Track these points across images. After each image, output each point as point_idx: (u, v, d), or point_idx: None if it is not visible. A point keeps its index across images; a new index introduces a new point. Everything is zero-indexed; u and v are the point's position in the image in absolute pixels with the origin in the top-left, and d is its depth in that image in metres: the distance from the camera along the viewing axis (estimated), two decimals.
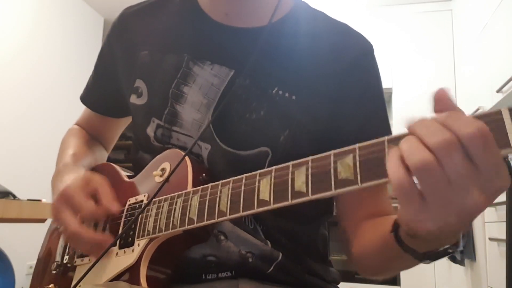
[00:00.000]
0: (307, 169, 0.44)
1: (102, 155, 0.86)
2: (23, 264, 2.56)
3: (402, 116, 3.04)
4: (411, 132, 0.35)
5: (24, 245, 2.41)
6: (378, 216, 0.61)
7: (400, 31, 3.36)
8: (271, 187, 0.46)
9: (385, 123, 0.68)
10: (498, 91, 2.22)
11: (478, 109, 2.58)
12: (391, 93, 3.30)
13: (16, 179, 2.27)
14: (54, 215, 0.61)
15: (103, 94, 0.83)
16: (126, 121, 0.87)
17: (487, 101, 2.44)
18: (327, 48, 0.67)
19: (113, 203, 0.61)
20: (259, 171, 0.49)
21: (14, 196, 1.39)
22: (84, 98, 0.85)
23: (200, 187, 0.54)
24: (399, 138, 0.36)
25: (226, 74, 0.66)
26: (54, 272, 0.69)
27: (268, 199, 0.46)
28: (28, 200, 1.34)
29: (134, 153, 0.74)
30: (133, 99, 0.71)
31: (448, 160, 0.32)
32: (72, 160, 0.74)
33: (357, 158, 0.40)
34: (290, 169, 0.45)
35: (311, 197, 0.43)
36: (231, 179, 0.51)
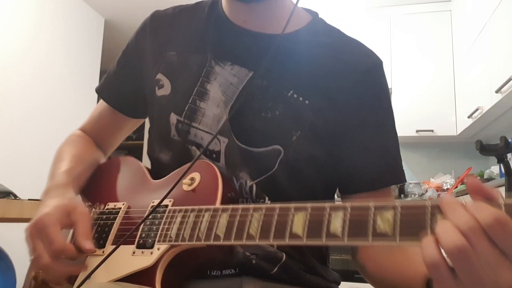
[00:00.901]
0: (345, 214, 0.45)
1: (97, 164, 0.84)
2: (24, 264, 2.56)
3: (403, 115, 3.05)
4: (444, 215, 0.38)
5: (25, 245, 2.41)
6: None
7: (400, 31, 3.36)
8: (305, 223, 0.47)
9: (393, 135, 0.73)
10: (497, 91, 2.22)
11: (477, 109, 2.59)
12: (390, 93, 3.30)
13: (17, 179, 2.27)
14: (28, 241, 0.60)
15: (121, 88, 0.84)
16: (133, 125, 0.89)
17: (486, 101, 2.45)
18: (339, 60, 0.71)
19: (87, 242, 0.58)
20: (294, 204, 0.49)
21: (15, 196, 1.39)
22: (101, 90, 0.86)
23: (230, 206, 0.55)
24: (438, 206, 0.40)
25: (245, 74, 0.69)
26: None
27: (301, 234, 0.47)
28: (29, 200, 1.33)
29: (151, 152, 0.76)
30: (156, 90, 0.74)
31: (477, 244, 0.35)
32: (63, 178, 0.71)
33: (398, 215, 0.42)
34: (328, 210, 0.46)
35: (345, 242, 0.44)
36: (264, 206, 0.52)
